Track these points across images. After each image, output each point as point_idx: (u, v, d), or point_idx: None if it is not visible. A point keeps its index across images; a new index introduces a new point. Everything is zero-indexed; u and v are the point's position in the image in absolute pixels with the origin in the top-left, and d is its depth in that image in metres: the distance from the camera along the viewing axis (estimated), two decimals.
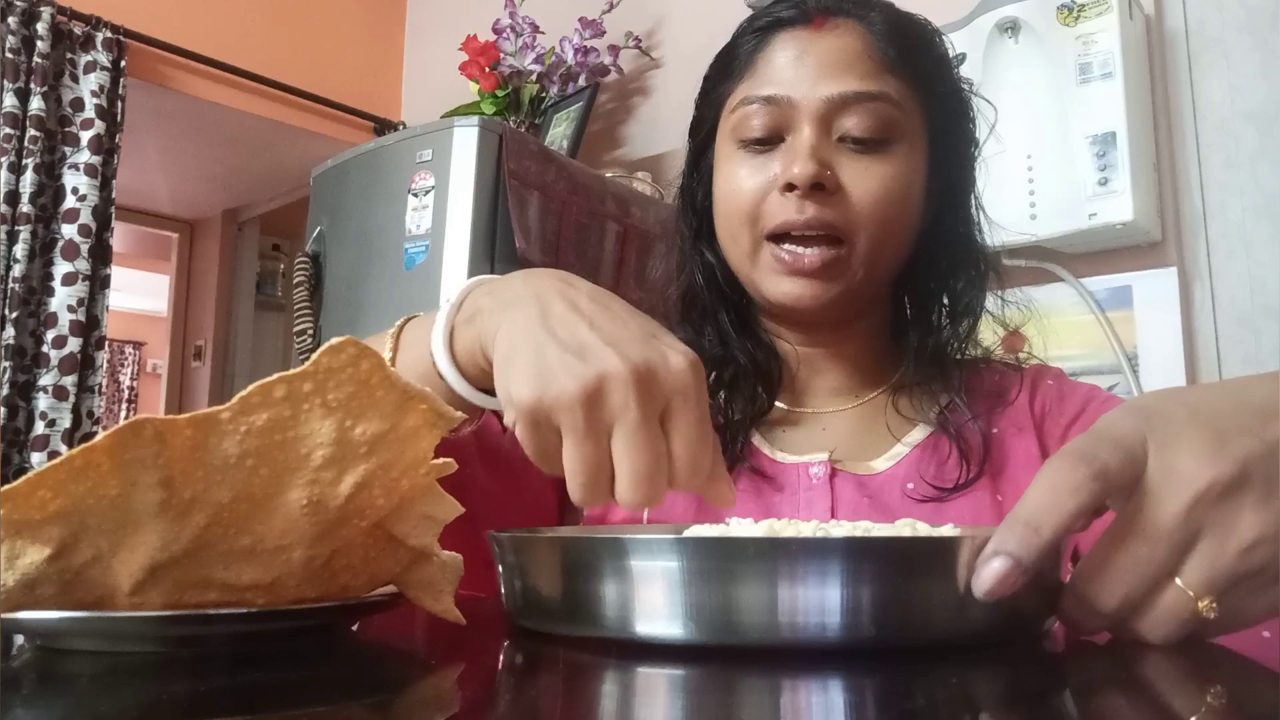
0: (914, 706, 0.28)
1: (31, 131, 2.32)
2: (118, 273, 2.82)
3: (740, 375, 0.71)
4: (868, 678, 0.30)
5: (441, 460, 0.35)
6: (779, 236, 0.65)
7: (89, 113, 2.42)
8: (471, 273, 1.71)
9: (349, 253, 1.93)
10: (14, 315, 2.27)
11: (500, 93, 2.28)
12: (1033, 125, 1.48)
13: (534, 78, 2.28)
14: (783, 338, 0.73)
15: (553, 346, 0.41)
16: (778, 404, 0.72)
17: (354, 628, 0.40)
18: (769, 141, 0.66)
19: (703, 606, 0.31)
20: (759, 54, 0.68)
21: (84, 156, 2.40)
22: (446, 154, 1.76)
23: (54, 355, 2.34)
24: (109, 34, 2.46)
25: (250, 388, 0.30)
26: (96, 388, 2.45)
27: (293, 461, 0.31)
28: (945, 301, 0.72)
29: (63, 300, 2.35)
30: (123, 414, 7.07)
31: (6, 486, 0.29)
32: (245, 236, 4.06)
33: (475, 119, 1.78)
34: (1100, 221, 1.41)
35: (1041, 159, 1.48)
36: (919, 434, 0.68)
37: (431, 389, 0.35)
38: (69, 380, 2.35)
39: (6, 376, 2.27)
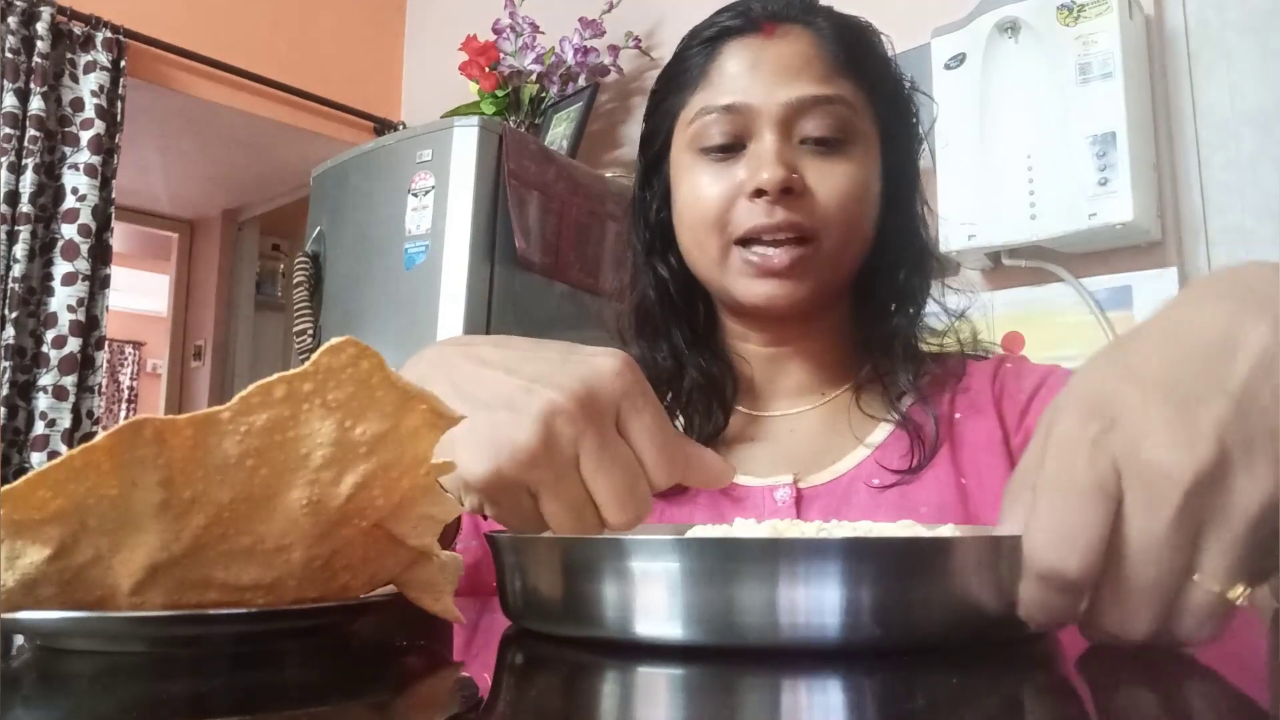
0: (914, 706, 0.28)
1: (31, 131, 2.32)
2: (118, 273, 2.82)
3: (695, 391, 0.71)
4: (868, 678, 0.30)
5: (442, 460, 0.35)
6: (748, 240, 0.66)
7: (89, 113, 2.42)
8: (472, 273, 1.71)
9: (349, 253, 1.94)
10: (14, 315, 2.27)
11: (500, 93, 2.28)
12: (1033, 125, 1.48)
13: (534, 78, 2.28)
14: (746, 340, 0.74)
15: (482, 413, 0.39)
16: (741, 409, 0.73)
17: (354, 628, 0.40)
18: (730, 149, 0.67)
19: (702, 607, 0.31)
20: (711, 64, 0.69)
21: (84, 156, 2.40)
22: (446, 154, 1.76)
23: (54, 355, 2.34)
24: (109, 34, 2.46)
25: (250, 388, 0.30)
26: (96, 388, 2.45)
27: (293, 461, 0.31)
28: (894, 292, 0.74)
29: (63, 300, 2.35)
30: (123, 414, 7.07)
31: (6, 486, 0.29)
32: (245, 236, 4.06)
33: (475, 119, 1.78)
34: (1100, 221, 1.41)
35: (1041, 159, 1.48)
36: (881, 434, 0.69)
37: None
38: (69, 380, 2.35)
39: (6, 376, 2.27)
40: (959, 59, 1.57)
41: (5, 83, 2.29)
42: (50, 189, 2.38)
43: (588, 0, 2.30)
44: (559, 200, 1.83)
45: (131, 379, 7.36)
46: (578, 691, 0.31)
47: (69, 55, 2.42)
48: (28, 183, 2.31)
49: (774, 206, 0.64)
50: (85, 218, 2.38)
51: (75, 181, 2.39)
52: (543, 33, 2.29)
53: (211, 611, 0.33)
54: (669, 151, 0.73)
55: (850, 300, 0.74)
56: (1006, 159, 1.50)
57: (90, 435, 2.36)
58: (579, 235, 1.87)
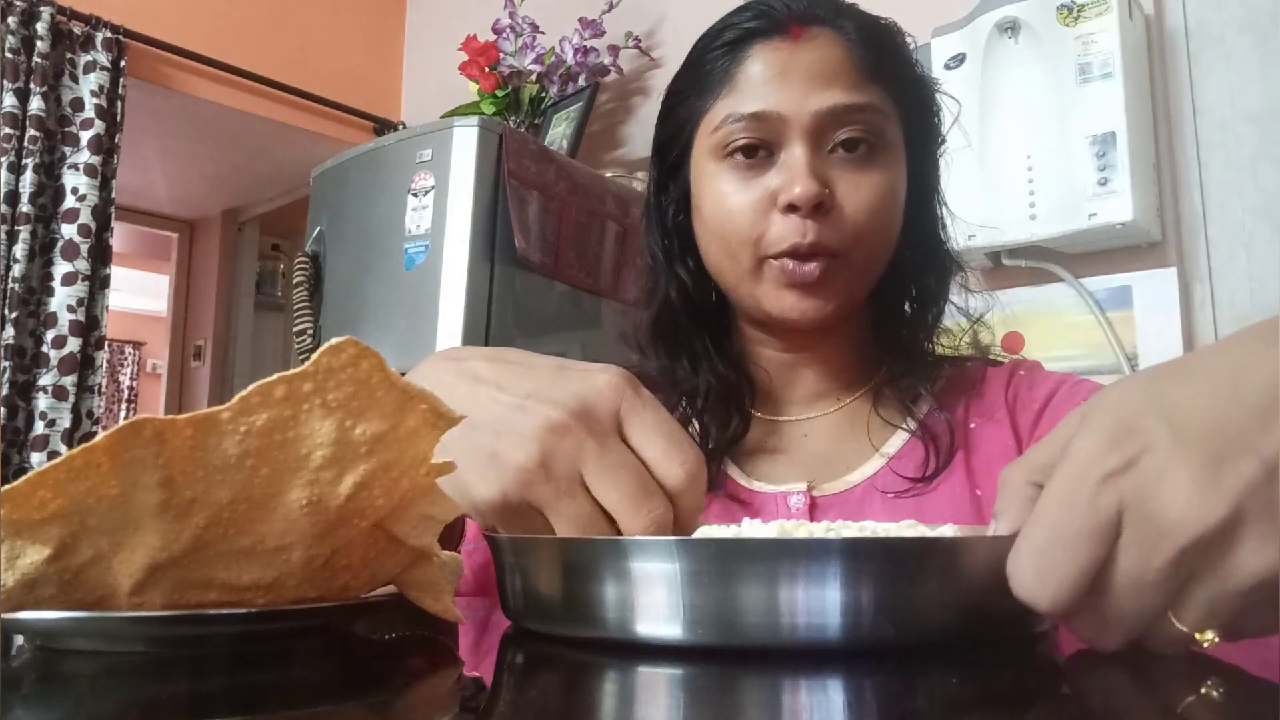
0: (914, 706, 0.28)
1: (31, 131, 2.32)
2: (118, 273, 2.82)
3: (712, 399, 0.71)
4: (868, 678, 0.30)
5: (442, 460, 0.35)
6: (779, 254, 0.65)
7: (89, 113, 2.42)
8: (471, 273, 1.71)
9: (349, 253, 1.94)
10: (14, 315, 2.27)
11: (500, 93, 2.29)
12: (1033, 125, 1.49)
13: (534, 78, 2.28)
14: (764, 345, 0.73)
15: (484, 434, 0.39)
16: (757, 414, 0.72)
17: (354, 628, 0.40)
18: (758, 157, 0.65)
19: (703, 607, 0.31)
20: (736, 68, 0.67)
21: (84, 156, 2.40)
22: (446, 154, 1.76)
23: (54, 355, 2.34)
24: (109, 34, 2.46)
25: (250, 388, 0.30)
26: (96, 388, 2.45)
27: (293, 461, 0.31)
28: (914, 295, 0.73)
29: (62, 300, 2.35)
30: (123, 414, 7.07)
31: (6, 486, 0.29)
32: (245, 236, 4.06)
33: (475, 119, 1.78)
34: (1100, 221, 1.41)
35: (1041, 159, 1.48)
36: (897, 442, 0.69)
37: None
38: (69, 380, 2.35)
39: (6, 376, 2.27)
40: (959, 59, 1.57)
41: (5, 83, 2.29)
42: (50, 189, 2.38)
43: (588, 0, 2.30)
44: (559, 200, 1.83)
45: (131, 379, 7.36)
46: (578, 691, 0.31)
47: (69, 55, 2.42)
48: (28, 183, 2.30)
49: (807, 223, 0.63)
50: (85, 218, 2.38)
51: (75, 181, 2.39)
52: (543, 33, 2.29)
53: (211, 611, 0.33)
54: (689, 156, 0.71)
55: (869, 306, 0.74)
56: (1006, 159, 1.50)
57: (90, 435, 2.36)
58: (579, 235, 1.87)
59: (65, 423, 2.34)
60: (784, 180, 0.64)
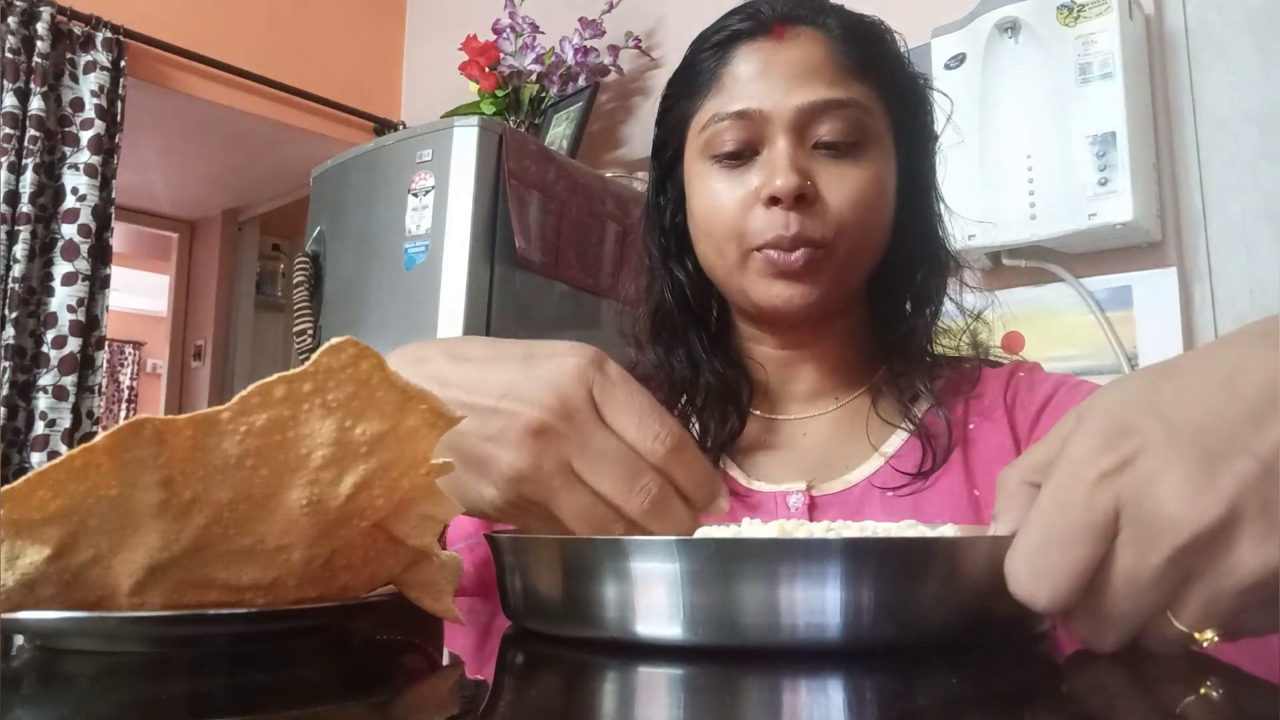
0: (914, 706, 0.28)
1: (31, 131, 2.32)
2: (118, 273, 2.82)
3: (710, 396, 0.71)
4: (868, 678, 0.30)
5: (441, 460, 0.35)
6: (763, 246, 0.65)
7: (89, 113, 2.42)
8: (471, 273, 1.71)
9: (349, 253, 1.94)
10: (14, 315, 2.27)
11: (500, 93, 2.29)
12: (1033, 125, 1.49)
13: (534, 78, 2.28)
14: (762, 343, 0.74)
15: (469, 440, 0.40)
16: (756, 413, 0.73)
17: (354, 628, 0.40)
18: (743, 155, 0.67)
19: (703, 607, 0.31)
20: (722, 69, 0.68)
21: (84, 156, 2.40)
22: (446, 154, 1.76)
23: (54, 355, 2.34)
24: (109, 34, 2.46)
25: (250, 388, 0.30)
26: (96, 388, 2.45)
27: (293, 461, 0.31)
28: (911, 293, 0.73)
29: (62, 300, 2.35)
30: (123, 414, 7.07)
31: (6, 486, 0.29)
32: (245, 236, 4.06)
33: (475, 119, 1.78)
34: (1100, 221, 1.41)
35: (1041, 159, 1.48)
36: (896, 442, 0.69)
37: None
38: (69, 380, 2.35)
39: (6, 376, 2.27)
40: (959, 59, 1.57)
41: (5, 83, 2.29)
42: (50, 189, 2.38)
43: (588, 0, 2.30)
44: (559, 200, 1.83)
45: (131, 379, 7.36)
46: (578, 691, 0.31)
47: (69, 55, 2.42)
48: (28, 183, 2.31)
49: (789, 215, 0.64)
50: (85, 218, 2.38)
51: (75, 181, 2.39)
52: (543, 33, 2.29)
53: (211, 611, 0.33)
54: (682, 158, 0.72)
55: (866, 302, 0.74)
56: (1006, 159, 1.50)
57: (90, 435, 2.36)
58: (579, 235, 1.87)
59: (65, 423, 2.34)
60: (766, 174, 0.65)
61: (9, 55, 2.30)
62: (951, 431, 0.67)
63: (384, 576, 0.38)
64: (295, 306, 1.92)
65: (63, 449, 2.30)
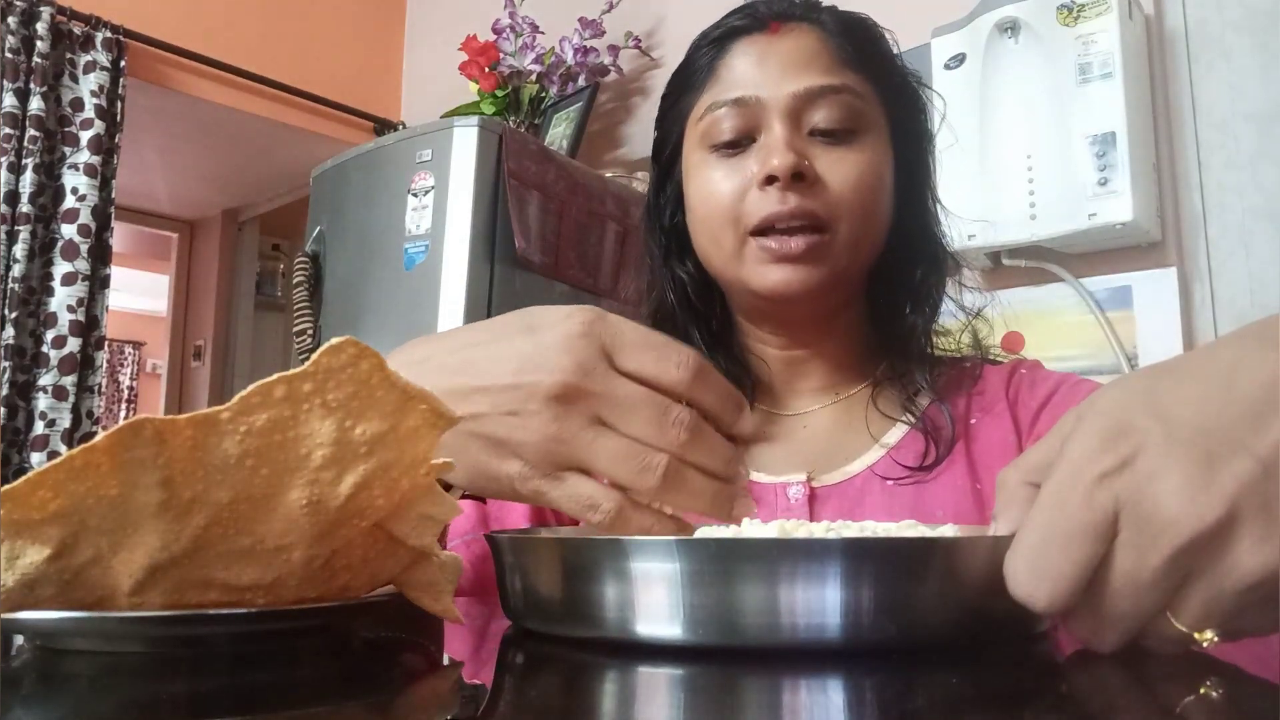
0: (914, 706, 0.28)
1: (31, 131, 2.32)
2: (117, 273, 2.82)
3: None
4: (868, 678, 0.30)
5: (442, 460, 0.35)
6: (763, 230, 0.66)
7: (89, 113, 2.42)
8: (471, 273, 1.71)
9: (349, 253, 1.94)
10: (14, 315, 2.27)
11: (500, 93, 2.28)
12: (1032, 125, 1.49)
13: (534, 78, 2.28)
14: (764, 342, 0.74)
15: (490, 424, 0.40)
16: (758, 407, 0.73)
17: (354, 628, 0.40)
18: (740, 144, 0.67)
19: (703, 607, 0.31)
20: (719, 62, 0.70)
21: (84, 156, 2.40)
22: (446, 154, 1.76)
23: (54, 355, 2.34)
24: (109, 34, 2.46)
25: (250, 388, 0.30)
26: (96, 388, 2.45)
27: (293, 461, 0.31)
28: (909, 291, 0.74)
29: (62, 300, 2.35)
30: (122, 414, 7.07)
31: (6, 486, 0.29)
32: (245, 236, 4.06)
33: (475, 119, 1.78)
34: (1100, 221, 1.41)
35: (1041, 159, 1.48)
36: (897, 434, 0.69)
37: None
38: (69, 380, 2.35)
39: (6, 376, 2.27)
40: (959, 59, 1.57)
41: (5, 83, 2.29)
42: (50, 189, 2.38)
43: (588, 0, 2.30)
44: (559, 200, 1.83)
45: (131, 379, 7.36)
46: (578, 691, 0.31)
47: (69, 55, 2.42)
48: (28, 183, 2.30)
49: (786, 194, 0.64)
50: (85, 218, 2.38)
51: (75, 181, 2.39)
52: (543, 33, 2.29)
53: (211, 611, 0.33)
54: (680, 155, 0.73)
55: (865, 301, 0.74)
56: (1006, 159, 1.50)
57: (90, 435, 2.36)
58: (579, 235, 1.87)
59: (65, 423, 2.34)
60: (763, 157, 0.65)
61: (9, 55, 2.30)
62: (954, 425, 0.68)
63: (384, 576, 0.38)
64: (295, 306, 1.92)
65: (63, 449, 2.30)
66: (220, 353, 3.95)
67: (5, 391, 2.27)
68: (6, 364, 2.26)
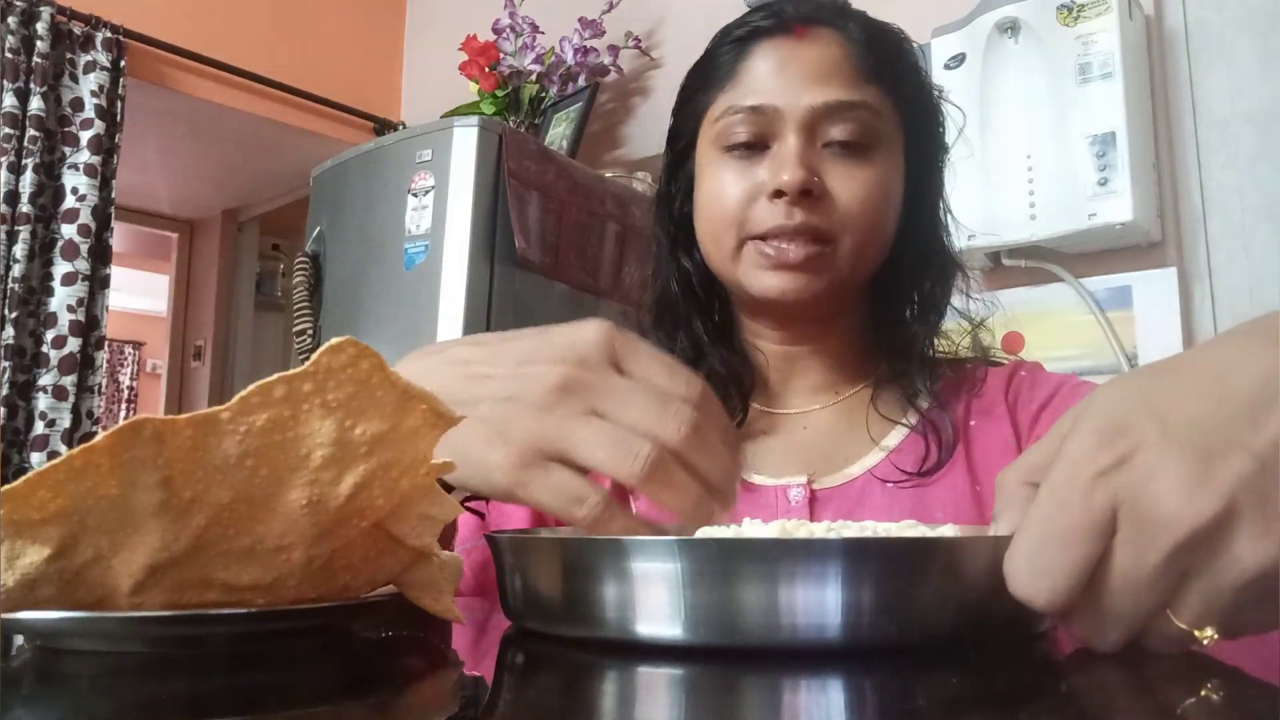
0: (914, 706, 0.28)
1: (31, 131, 2.32)
2: (117, 273, 2.82)
3: (713, 384, 0.71)
4: (868, 678, 0.30)
5: (442, 460, 0.35)
6: (764, 236, 0.66)
7: (89, 113, 2.42)
8: (471, 273, 1.71)
9: (349, 253, 1.94)
10: (14, 315, 2.27)
11: (500, 93, 2.28)
12: (1032, 125, 1.49)
13: (534, 78, 2.28)
14: (763, 337, 0.74)
15: (486, 406, 0.40)
16: (756, 406, 0.73)
17: (354, 628, 0.40)
18: (753, 148, 0.67)
19: (703, 607, 0.31)
20: (740, 63, 0.69)
21: (84, 156, 2.40)
22: (446, 154, 1.76)
23: (53, 355, 2.34)
24: (108, 34, 2.46)
25: (250, 388, 0.30)
26: (96, 388, 2.45)
27: (293, 461, 0.31)
28: (915, 300, 0.74)
29: (62, 300, 2.35)
30: (122, 414, 7.07)
31: (6, 486, 0.29)
32: (245, 236, 4.06)
33: (475, 119, 1.78)
34: (1100, 221, 1.41)
35: (1041, 159, 1.48)
36: (896, 437, 0.69)
37: None
38: (68, 380, 2.35)
39: (6, 376, 2.27)
40: (959, 59, 1.57)
41: (5, 83, 2.29)
42: (50, 189, 2.38)
43: (588, 0, 2.30)
44: (559, 200, 1.83)
45: (131, 379, 7.36)
46: (578, 691, 0.31)
47: (69, 55, 2.42)
48: (28, 183, 2.30)
49: (793, 208, 0.64)
50: (85, 218, 2.38)
51: (75, 181, 2.39)
52: (543, 33, 2.29)
53: (211, 611, 0.33)
54: (694, 148, 0.73)
55: (868, 302, 0.74)
56: (1006, 159, 1.50)
57: (90, 435, 2.36)
58: (579, 235, 1.87)
59: (65, 423, 2.34)
60: (774, 168, 0.65)
61: (9, 55, 2.30)
62: (954, 428, 0.68)
63: (384, 576, 0.38)
64: (295, 306, 1.92)
65: (63, 449, 2.30)
66: (220, 353, 3.95)
67: (5, 391, 2.26)
68: (6, 364, 2.26)
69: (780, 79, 0.67)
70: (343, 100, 2.99)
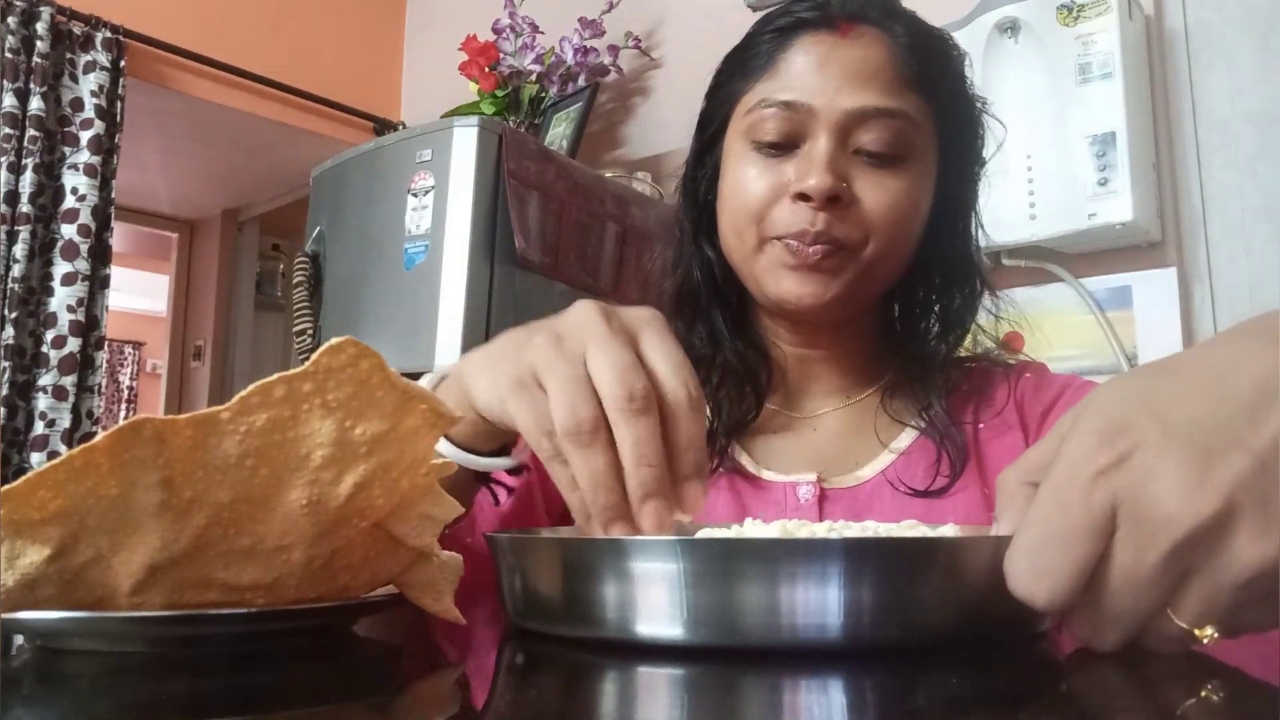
0: (914, 706, 0.28)
1: (31, 131, 2.31)
2: (117, 273, 2.82)
3: (729, 376, 0.71)
4: (868, 678, 0.30)
5: (441, 460, 0.35)
6: (784, 237, 0.65)
7: (88, 113, 2.42)
8: (471, 273, 1.71)
9: (349, 253, 1.93)
10: (14, 315, 2.27)
11: (500, 93, 2.28)
12: (1033, 125, 1.48)
13: (534, 78, 2.28)
14: (778, 339, 0.73)
15: (508, 341, 0.44)
16: (768, 405, 0.72)
17: (354, 628, 0.40)
18: (783, 146, 0.66)
19: (704, 607, 0.31)
20: (779, 55, 0.67)
21: (83, 156, 2.40)
22: (446, 154, 1.76)
23: (53, 355, 2.34)
24: (108, 34, 2.46)
25: (250, 388, 0.30)
26: (96, 388, 2.45)
27: (293, 461, 0.31)
28: (937, 312, 0.73)
29: (62, 300, 2.35)
30: (122, 414, 7.07)
31: (6, 486, 0.29)
32: (245, 236, 4.06)
33: (475, 119, 1.78)
34: (1100, 221, 1.41)
35: (1041, 159, 1.48)
36: (906, 439, 0.69)
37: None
38: (68, 380, 2.35)
39: (6, 376, 2.26)
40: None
41: (5, 83, 2.29)
42: (50, 189, 2.38)
43: (588, 0, 2.30)
44: (559, 200, 1.83)
45: (131, 379, 7.36)
46: (578, 691, 0.31)
47: (69, 55, 2.42)
48: (27, 183, 2.30)
49: (817, 214, 0.63)
50: (85, 218, 2.38)
51: (75, 181, 2.39)
52: (543, 33, 2.29)
53: (211, 611, 0.33)
54: (724, 135, 0.71)
55: (886, 310, 0.74)
56: (1007, 159, 1.50)
57: (90, 435, 2.36)
58: (579, 235, 1.87)
59: (65, 423, 2.34)
60: (802, 170, 0.64)
61: (9, 55, 2.30)
62: (974, 445, 0.67)
63: (384, 576, 0.38)
64: (295, 306, 1.92)
65: (63, 449, 2.30)
66: (220, 353, 3.95)
67: (5, 391, 2.26)
68: (6, 364, 2.26)
69: (819, 76, 0.65)
70: (343, 100, 2.99)
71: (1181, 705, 0.28)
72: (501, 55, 2.28)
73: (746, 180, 0.66)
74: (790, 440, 0.71)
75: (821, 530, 0.38)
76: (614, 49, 2.27)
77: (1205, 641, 0.30)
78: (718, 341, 0.72)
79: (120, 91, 2.48)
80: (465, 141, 1.75)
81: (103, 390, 2.56)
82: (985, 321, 0.75)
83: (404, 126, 2.98)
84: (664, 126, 2.29)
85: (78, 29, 2.44)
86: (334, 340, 0.31)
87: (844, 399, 0.73)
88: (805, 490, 0.66)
